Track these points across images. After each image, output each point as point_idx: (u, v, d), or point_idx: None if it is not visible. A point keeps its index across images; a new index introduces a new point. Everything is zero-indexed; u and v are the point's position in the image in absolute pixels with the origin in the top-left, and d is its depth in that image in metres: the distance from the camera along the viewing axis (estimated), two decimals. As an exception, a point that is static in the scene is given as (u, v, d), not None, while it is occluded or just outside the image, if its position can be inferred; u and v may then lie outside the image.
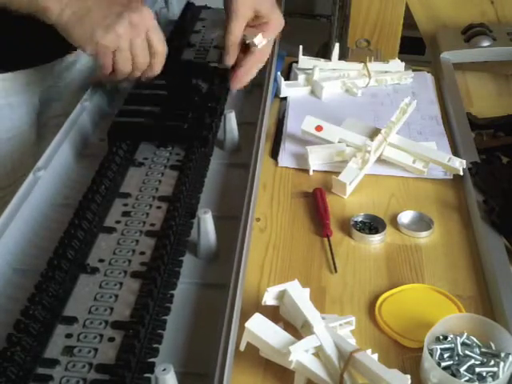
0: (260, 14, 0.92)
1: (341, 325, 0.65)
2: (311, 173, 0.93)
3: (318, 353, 0.61)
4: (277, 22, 0.94)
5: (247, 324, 0.61)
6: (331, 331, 0.62)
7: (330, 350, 0.60)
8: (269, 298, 0.66)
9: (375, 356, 0.61)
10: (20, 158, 1.00)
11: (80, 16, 0.79)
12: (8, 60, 0.94)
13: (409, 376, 0.57)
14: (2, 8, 0.78)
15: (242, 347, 0.62)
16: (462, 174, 0.90)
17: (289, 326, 0.66)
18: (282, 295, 0.67)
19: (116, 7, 0.80)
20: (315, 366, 0.60)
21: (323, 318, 0.64)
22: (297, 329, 0.65)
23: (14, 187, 0.84)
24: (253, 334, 0.61)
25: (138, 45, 0.82)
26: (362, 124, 0.98)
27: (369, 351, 0.60)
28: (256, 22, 0.93)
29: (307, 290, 0.68)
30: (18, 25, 0.82)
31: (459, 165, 0.90)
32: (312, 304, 0.65)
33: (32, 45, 0.93)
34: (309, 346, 0.61)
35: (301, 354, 0.60)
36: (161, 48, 0.85)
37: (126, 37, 0.80)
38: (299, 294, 0.65)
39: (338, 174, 0.89)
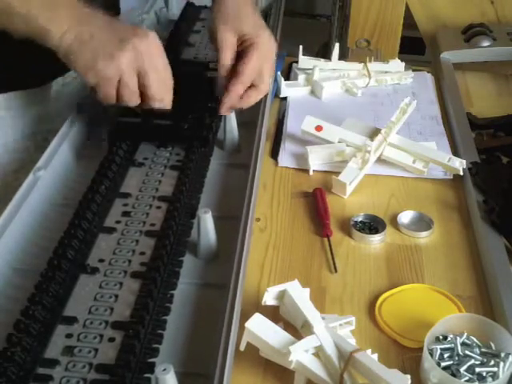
0: (243, 35, 0.87)
1: (341, 325, 0.65)
2: (311, 173, 0.93)
3: (318, 353, 0.61)
4: (265, 41, 0.88)
5: (247, 324, 0.61)
6: (331, 331, 0.62)
7: (330, 350, 0.60)
8: (269, 298, 0.67)
9: (375, 356, 0.61)
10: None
11: (81, 41, 0.74)
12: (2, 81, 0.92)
13: (409, 376, 0.57)
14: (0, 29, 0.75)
15: (242, 347, 0.62)
16: (461, 173, 0.90)
17: (289, 326, 0.66)
18: (282, 295, 0.67)
19: (120, 33, 0.76)
20: (315, 366, 0.60)
21: (323, 318, 0.64)
22: (297, 329, 0.65)
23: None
24: (253, 334, 0.61)
25: (147, 73, 0.76)
26: (361, 124, 0.98)
27: (369, 351, 0.60)
28: (243, 46, 0.87)
29: (307, 290, 0.68)
30: (14, 46, 0.81)
31: (459, 165, 0.90)
32: (312, 304, 0.65)
33: (28, 66, 0.91)
34: (309, 346, 0.61)
35: (301, 354, 0.60)
36: (168, 76, 0.80)
37: (129, 66, 0.75)
38: (299, 294, 0.65)
39: (337, 173, 0.89)
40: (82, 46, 0.74)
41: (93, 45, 0.74)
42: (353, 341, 0.65)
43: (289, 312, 0.67)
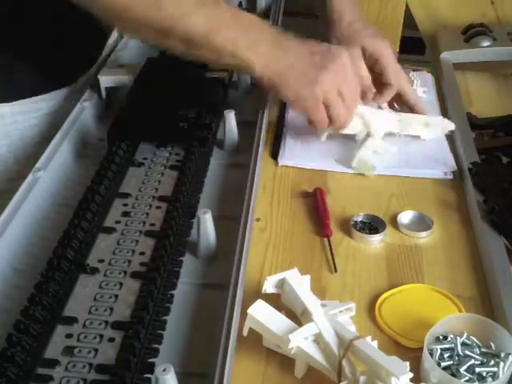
0: (368, 51, 0.93)
1: (341, 311, 0.66)
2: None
3: (318, 340, 0.62)
4: (387, 51, 0.95)
5: (249, 310, 0.62)
6: (331, 318, 0.63)
7: (329, 338, 0.61)
8: (269, 287, 0.67)
9: (375, 343, 0.62)
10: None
11: (281, 74, 0.81)
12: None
13: (408, 363, 0.57)
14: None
15: (245, 333, 0.62)
16: (453, 129, 0.97)
17: (290, 314, 0.66)
18: (281, 283, 0.67)
19: (316, 57, 0.82)
20: (315, 353, 0.61)
21: (323, 305, 0.64)
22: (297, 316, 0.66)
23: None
24: (255, 320, 0.62)
25: (347, 90, 0.83)
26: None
27: (368, 338, 0.61)
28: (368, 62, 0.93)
29: (307, 278, 0.68)
30: (18, 56, 0.81)
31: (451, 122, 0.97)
32: (311, 292, 0.66)
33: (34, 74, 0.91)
34: (308, 333, 0.61)
35: (301, 341, 0.61)
36: (366, 79, 0.88)
37: (332, 88, 0.82)
38: (298, 282, 0.66)
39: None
40: (282, 78, 0.81)
41: (293, 75, 0.81)
42: (353, 327, 0.65)
43: (289, 300, 0.67)
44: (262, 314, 0.62)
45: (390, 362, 0.57)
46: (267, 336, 0.63)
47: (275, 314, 0.63)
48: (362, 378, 0.58)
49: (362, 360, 0.59)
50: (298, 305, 0.65)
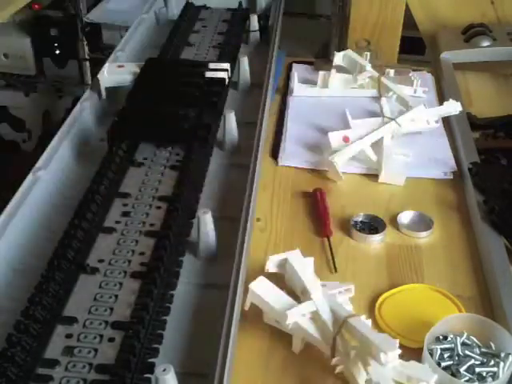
0: None
1: (340, 292, 0.68)
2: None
3: (315, 317, 0.64)
4: None
5: (251, 285, 0.64)
6: (329, 297, 0.64)
7: (326, 315, 0.63)
8: (271, 266, 0.69)
9: (368, 322, 0.63)
10: None
11: None
12: None
13: (397, 340, 0.58)
14: None
15: (247, 307, 0.64)
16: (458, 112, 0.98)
17: (292, 295, 0.67)
18: (284, 264, 0.69)
19: None
20: (311, 329, 0.63)
21: (323, 285, 0.66)
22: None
23: None
24: (256, 295, 0.64)
25: None
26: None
27: (363, 317, 0.62)
28: None
29: (311, 260, 0.70)
30: None
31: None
32: (313, 272, 0.68)
33: None
34: (305, 310, 0.63)
35: (298, 318, 0.63)
36: None
37: None
38: (300, 262, 0.68)
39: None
40: None
41: None
42: (350, 307, 0.67)
43: (290, 279, 0.68)
44: (263, 290, 0.64)
45: (380, 339, 0.58)
46: (267, 311, 0.65)
47: (276, 291, 0.65)
48: (353, 353, 0.60)
49: (354, 336, 0.61)
50: (298, 284, 0.67)
